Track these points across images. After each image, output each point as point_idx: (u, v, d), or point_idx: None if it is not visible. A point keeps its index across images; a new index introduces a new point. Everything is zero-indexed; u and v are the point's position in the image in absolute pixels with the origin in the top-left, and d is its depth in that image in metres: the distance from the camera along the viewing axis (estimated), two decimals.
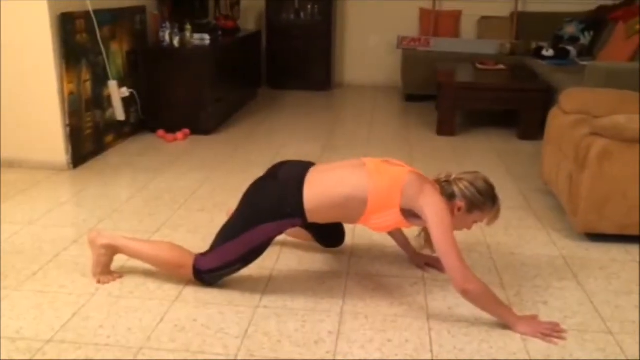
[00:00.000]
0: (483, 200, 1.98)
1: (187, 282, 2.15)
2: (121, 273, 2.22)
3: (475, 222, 2.06)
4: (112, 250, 2.16)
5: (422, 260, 2.36)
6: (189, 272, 2.07)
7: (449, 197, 1.97)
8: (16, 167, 3.46)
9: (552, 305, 2.09)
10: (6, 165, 3.46)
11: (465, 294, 1.87)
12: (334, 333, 1.90)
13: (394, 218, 1.93)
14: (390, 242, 2.49)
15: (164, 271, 2.17)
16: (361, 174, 1.92)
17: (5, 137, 3.45)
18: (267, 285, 2.18)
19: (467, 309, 2.04)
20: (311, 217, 1.95)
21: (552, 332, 1.89)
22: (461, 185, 1.97)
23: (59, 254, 2.39)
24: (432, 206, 1.87)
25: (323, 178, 1.96)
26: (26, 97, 3.37)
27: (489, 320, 1.97)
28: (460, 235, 2.64)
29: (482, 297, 1.88)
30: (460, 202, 1.96)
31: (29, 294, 2.09)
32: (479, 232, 2.69)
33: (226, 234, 2.04)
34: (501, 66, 5.09)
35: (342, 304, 2.07)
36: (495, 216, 2.04)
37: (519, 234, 2.71)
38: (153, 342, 1.82)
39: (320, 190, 1.92)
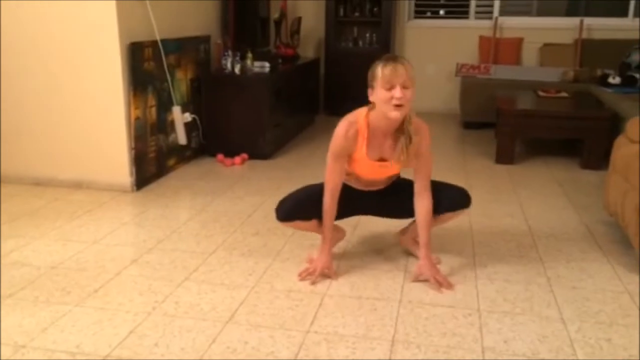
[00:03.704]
0: (372, 68, 2.28)
1: (239, 305, 2.19)
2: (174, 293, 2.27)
3: (386, 95, 2.21)
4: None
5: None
6: None
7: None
8: (84, 188, 3.63)
9: (616, 342, 1.99)
10: (74, 186, 3.64)
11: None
12: None
13: None
14: (443, 270, 2.43)
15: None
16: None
17: (74, 160, 3.63)
18: (318, 310, 2.18)
19: (525, 343, 1.97)
20: None
21: None
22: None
23: (120, 273, 2.48)
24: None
25: None
26: (95, 121, 3.55)
27: (547, 356, 1.89)
28: (517, 265, 2.58)
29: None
30: (369, 90, 2.25)
31: (90, 310, 2.17)
32: (538, 264, 2.61)
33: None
34: (564, 94, 4.96)
35: (394, 332, 2.04)
36: (385, 72, 2.23)
37: (581, 267, 2.60)
38: None
39: None
